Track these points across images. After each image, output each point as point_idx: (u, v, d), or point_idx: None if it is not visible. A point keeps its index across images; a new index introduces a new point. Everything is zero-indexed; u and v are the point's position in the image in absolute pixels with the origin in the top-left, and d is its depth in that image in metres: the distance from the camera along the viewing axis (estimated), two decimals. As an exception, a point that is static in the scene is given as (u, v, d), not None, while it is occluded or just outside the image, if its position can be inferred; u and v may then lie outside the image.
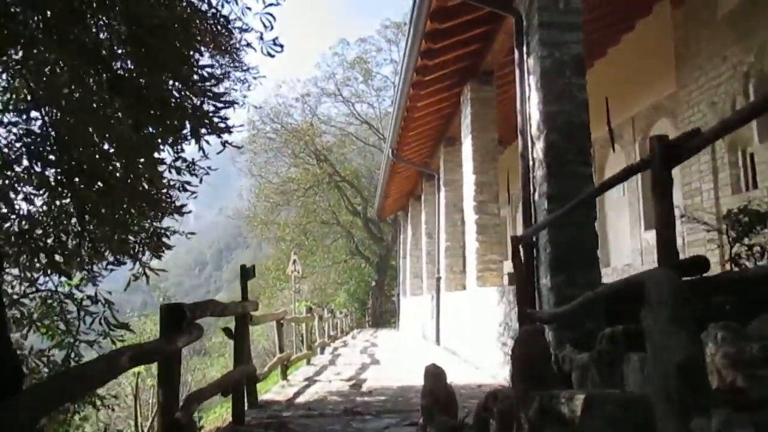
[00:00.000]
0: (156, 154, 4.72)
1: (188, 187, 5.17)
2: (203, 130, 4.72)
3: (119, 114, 4.05)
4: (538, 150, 6.07)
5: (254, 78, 7.72)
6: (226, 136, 5.78)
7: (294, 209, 31.38)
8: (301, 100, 30.00)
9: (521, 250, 6.21)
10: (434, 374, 4.17)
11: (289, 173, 30.78)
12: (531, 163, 6.27)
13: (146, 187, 4.84)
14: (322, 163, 29.66)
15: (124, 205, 4.95)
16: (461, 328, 11.12)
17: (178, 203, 5.99)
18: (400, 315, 25.01)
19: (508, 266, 8.68)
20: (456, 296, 12.06)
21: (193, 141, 4.89)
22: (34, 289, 5.67)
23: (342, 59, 30.36)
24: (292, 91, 31.40)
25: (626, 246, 12.22)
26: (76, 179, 4.36)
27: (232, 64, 7.60)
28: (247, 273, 6.50)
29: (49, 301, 5.63)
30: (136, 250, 5.51)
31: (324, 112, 31.31)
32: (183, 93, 4.72)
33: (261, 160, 30.48)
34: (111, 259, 5.11)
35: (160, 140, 4.64)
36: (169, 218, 6.29)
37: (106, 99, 4.02)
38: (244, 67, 7.56)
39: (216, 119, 4.79)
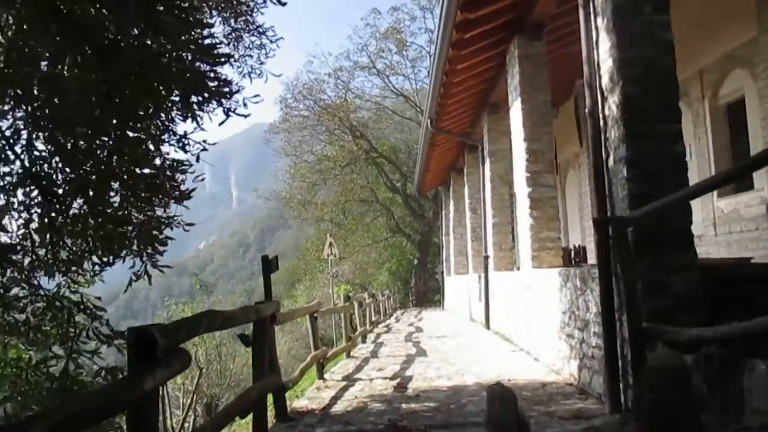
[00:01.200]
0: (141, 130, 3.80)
1: (186, 168, 4.26)
2: (196, 97, 3.78)
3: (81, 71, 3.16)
4: (611, 106, 4.96)
5: (271, 41, 6.78)
6: (242, 109, 4.87)
7: (331, 188, 30.54)
8: (333, 75, 28.99)
9: (595, 231, 5.16)
10: (502, 398, 3.19)
11: (324, 151, 29.89)
12: (602, 122, 5.17)
13: (136, 170, 3.94)
14: (358, 140, 28.64)
15: (110, 193, 4.08)
16: (515, 312, 10.10)
17: (184, 187, 5.12)
18: (445, 294, 24.06)
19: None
20: (507, 277, 11.02)
21: (189, 110, 3.95)
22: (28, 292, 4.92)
23: (374, 30, 29.15)
24: (324, 66, 30.59)
25: (696, 216, 10.94)
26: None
27: (244, 27, 6.65)
28: (269, 265, 5.62)
29: (41, 305, 4.86)
30: (133, 246, 4.67)
31: (358, 86, 30.27)
32: (167, 49, 3.79)
33: (295, 139, 29.63)
34: (96, 258, 4.25)
35: (139, 109, 3.72)
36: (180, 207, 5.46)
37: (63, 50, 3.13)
38: (259, 29, 6.62)
39: (213, 83, 3.84)
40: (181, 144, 4.16)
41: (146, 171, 4.27)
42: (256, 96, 6.52)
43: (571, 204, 17.53)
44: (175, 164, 4.28)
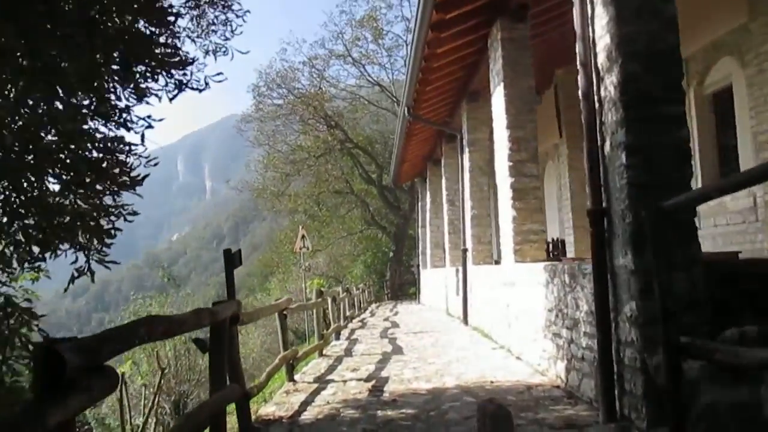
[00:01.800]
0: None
1: (129, 149, 3.71)
2: (140, 66, 3.23)
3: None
4: (608, 87, 4.53)
5: (237, 16, 6.22)
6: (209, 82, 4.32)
7: (305, 179, 29.85)
8: (308, 64, 28.23)
9: (591, 221, 4.74)
10: (495, 417, 2.74)
11: (298, 141, 29.16)
12: (597, 105, 4.73)
13: (78, 151, 3.38)
14: (333, 130, 27.97)
15: (48, 178, 3.51)
16: (495, 308, 9.70)
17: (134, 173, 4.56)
18: (421, 287, 23.67)
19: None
20: (486, 271, 10.61)
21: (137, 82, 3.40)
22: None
23: (350, 18, 28.49)
24: (298, 54, 29.76)
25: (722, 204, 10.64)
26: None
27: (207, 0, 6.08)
28: (232, 259, 5.10)
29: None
30: (76, 239, 4.10)
31: (333, 75, 29.61)
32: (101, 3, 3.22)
33: (268, 128, 28.86)
34: (23, 253, 3.68)
35: (67, 75, 3.15)
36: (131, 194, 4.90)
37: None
38: (223, 2, 6.06)
39: (160, 49, 3.29)
40: (122, 120, 3.60)
41: (89, 153, 3.71)
42: (219, 74, 5.98)
43: (549, 196, 17.21)
44: (116, 144, 3.72)
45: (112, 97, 3.57)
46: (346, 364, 8.27)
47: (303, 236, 12.29)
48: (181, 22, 5.49)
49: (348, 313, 14.42)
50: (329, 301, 11.24)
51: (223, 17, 6.23)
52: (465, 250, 12.44)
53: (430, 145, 17.79)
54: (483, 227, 12.20)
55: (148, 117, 3.78)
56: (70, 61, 3.07)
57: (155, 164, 4.54)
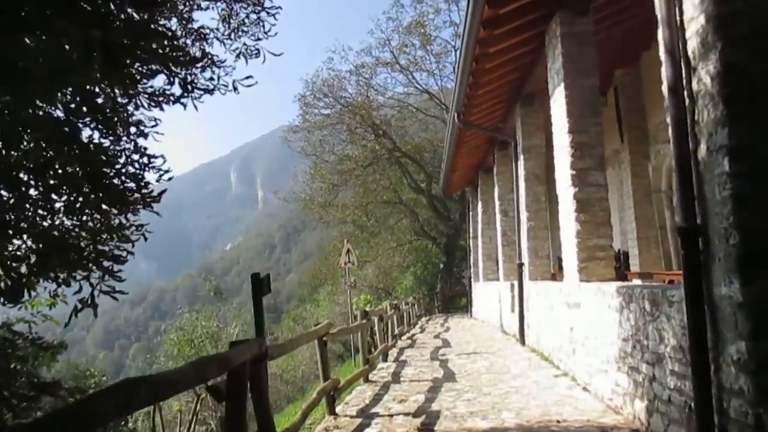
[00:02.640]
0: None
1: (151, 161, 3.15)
2: (128, 57, 2.67)
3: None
4: (703, 78, 3.74)
5: (269, 14, 5.68)
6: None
7: (353, 189, 29.36)
8: (354, 72, 27.78)
9: (682, 240, 3.95)
10: None
11: (345, 151, 28.71)
12: (688, 101, 3.94)
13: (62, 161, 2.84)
14: (380, 139, 27.40)
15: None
16: (556, 330, 8.87)
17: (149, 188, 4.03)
18: (473, 300, 22.77)
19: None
20: (545, 289, 9.76)
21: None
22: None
23: (397, 24, 27.89)
24: (344, 62, 29.18)
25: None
26: None
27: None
28: (260, 286, 4.51)
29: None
30: (82, 264, 3.58)
31: (380, 83, 28.99)
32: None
33: (315, 138, 28.54)
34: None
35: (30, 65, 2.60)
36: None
37: None
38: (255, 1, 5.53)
39: (157, 42, 2.72)
40: (113, 125, 3.05)
41: (85, 165, 3.17)
42: (248, 77, 5.44)
43: (611, 205, 16.17)
44: (121, 155, 3.17)
45: (105, 99, 3.05)
46: (393, 392, 7.58)
47: (348, 251, 11.67)
48: (210, 23, 4.99)
49: (396, 331, 13.74)
50: (376, 320, 10.59)
51: (254, 16, 5.70)
52: (521, 265, 11.60)
53: (481, 152, 17.00)
54: (540, 240, 11.34)
55: (139, 123, 3.23)
56: (34, 51, 2.54)
57: (169, 179, 3.99)
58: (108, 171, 3.49)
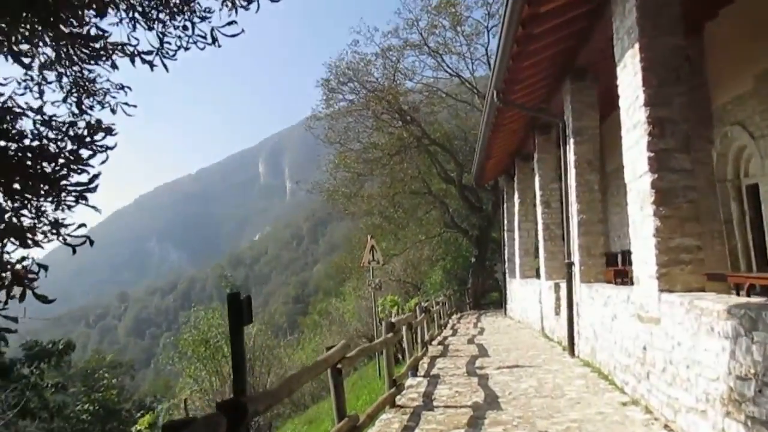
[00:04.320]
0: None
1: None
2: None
3: None
4: None
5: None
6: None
7: (379, 179, 27.88)
8: (381, 55, 26.22)
9: None
10: None
11: (371, 139, 27.23)
12: None
13: None
14: (408, 125, 25.84)
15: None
16: (619, 344, 7.40)
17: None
18: (508, 299, 21.25)
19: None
20: (605, 294, 8.28)
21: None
22: None
23: (426, 3, 26.17)
24: (369, 44, 27.50)
25: None
26: None
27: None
28: (239, 311, 3.20)
29: None
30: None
31: (407, 66, 27.31)
32: None
33: (340, 126, 27.13)
34: None
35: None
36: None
37: None
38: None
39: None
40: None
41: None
42: (231, 24, 4.13)
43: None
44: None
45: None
46: (425, 425, 6.20)
47: (372, 248, 10.29)
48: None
49: (427, 336, 12.34)
50: (404, 330, 9.22)
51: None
52: (570, 264, 10.11)
53: (519, 137, 15.46)
54: (594, 236, 9.83)
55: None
56: None
57: (103, 161, 2.67)
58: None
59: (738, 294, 10.05)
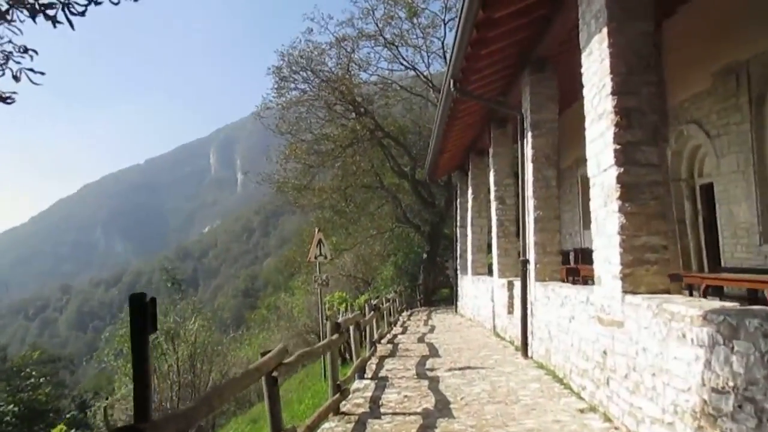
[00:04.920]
0: None
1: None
2: None
3: None
4: None
5: None
6: None
7: (331, 172, 27.17)
8: (335, 45, 25.49)
9: None
10: None
11: (323, 130, 26.48)
12: None
13: None
14: (361, 117, 25.20)
15: None
16: (578, 348, 7.06)
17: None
18: (459, 296, 20.96)
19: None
20: (561, 294, 7.93)
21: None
22: None
23: (383, -7, 25.50)
24: (323, 33, 26.73)
25: None
26: None
27: None
28: (143, 316, 2.60)
29: None
30: None
31: (362, 57, 26.64)
32: None
33: (291, 115, 26.31)
34: None
35: None
36: None
37: None
38: None
39: None
40: None
41: None
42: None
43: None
44: None
45: None
46: (371, 434, 5.69)
47: (320, 242, 9.69)
48: None
49: (375, 335, 11.83)
50: (351, 330, 8.69)
51: None
52: (525, 262, 9.77)
53: (474, 131, 15.10)
54: (550, 233, 9.51)
55: None
56: None
57: None
58: None
59: (691, 294, 9.95)
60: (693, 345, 4.07)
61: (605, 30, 5.68)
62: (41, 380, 21.87)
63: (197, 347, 16.69)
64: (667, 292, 5.49)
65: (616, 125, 5.57)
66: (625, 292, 5.47)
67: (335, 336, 6.86)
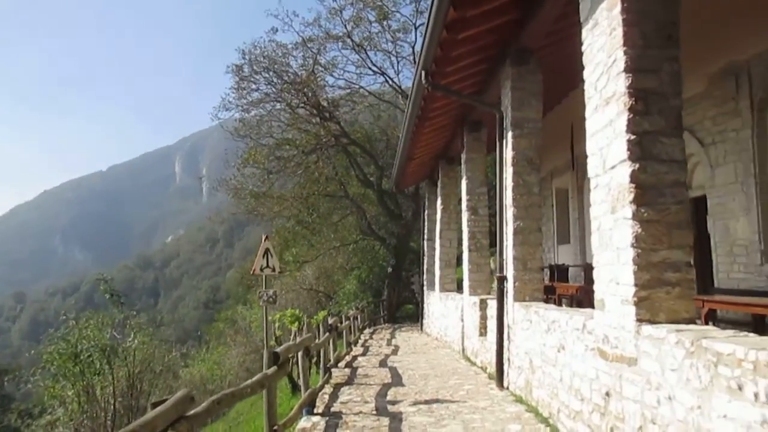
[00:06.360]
0: None
1: None
2: None
3: None
4: None
5: None
6: None
7: (292, 179, 25.72)
8: (301, 47, 24.19)
9: None
10: None
11: (285, 134, 25.05)
12: None
13: None
14: (326, 122, 23.88)
15: None
16: (568, 383, 5.88)
17: None
18: (426, 313, 19.72)
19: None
20: (549, 318, 6.74)
21: None
22: None
23: (352, -6, 24.31)
24: (288, 31, 25.44)
25: None
26: None
27: None
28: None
29: None
30: None
31: (328, 59, 25.36)
32: None
33: (252, 118, 24.85)
34: None
35: None
36: None
37: None
38: None
39: None
40: None
41: None
42: None
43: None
44: None
45: None
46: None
47: (267, 251, 8.38)
48: None
49: (331, 359, 10.48)
50: (299, 357, 7.35)
51: None
52: (502, 279, 8.59)
53: (446, 135, 13.97)
54: (531, 246, 8.35)
55: None
56: None
57: None
58: None
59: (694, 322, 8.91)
60: (759, 403, 2.89)
61: (615, -8, 4.55)
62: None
63: (137, 366, 15.06)
64: (692, 321, 4.34)
65: (630, 110, 4.42)
66: (640, 320, 4.29)
67: (273, 369, 5.50)
